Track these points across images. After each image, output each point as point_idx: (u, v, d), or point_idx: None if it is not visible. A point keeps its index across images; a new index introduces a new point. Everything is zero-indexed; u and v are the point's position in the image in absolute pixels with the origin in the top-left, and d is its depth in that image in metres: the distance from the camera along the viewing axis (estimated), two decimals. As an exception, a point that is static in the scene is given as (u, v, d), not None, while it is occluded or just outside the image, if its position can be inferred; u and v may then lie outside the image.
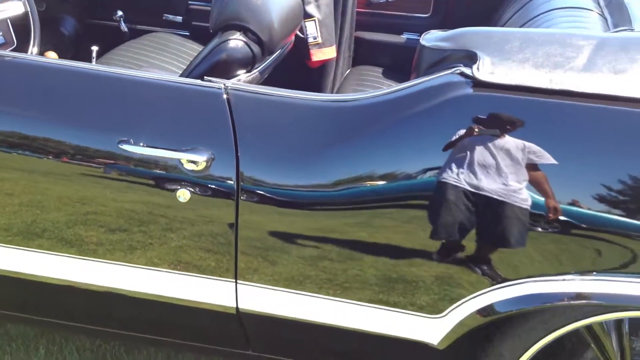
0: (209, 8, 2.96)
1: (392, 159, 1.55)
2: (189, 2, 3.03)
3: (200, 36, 2.96)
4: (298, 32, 2.45)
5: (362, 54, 2.93)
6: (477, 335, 1.67)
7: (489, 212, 1.51)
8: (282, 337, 1.84)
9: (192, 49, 2.88)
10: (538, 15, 2.13)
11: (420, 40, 1.67)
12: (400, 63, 2.75)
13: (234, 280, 1.70)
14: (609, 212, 1.47)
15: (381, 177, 1.55)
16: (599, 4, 2.11)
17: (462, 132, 1.50)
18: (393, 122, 1.54)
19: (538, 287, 1.53)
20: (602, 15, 2.01)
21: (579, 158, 1.48)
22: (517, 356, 1.67)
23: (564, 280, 1.52)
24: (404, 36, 2.95)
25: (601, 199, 1.47)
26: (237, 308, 1.74)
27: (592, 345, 1.70)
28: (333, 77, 2.70)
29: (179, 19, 3.06)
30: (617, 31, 1.75)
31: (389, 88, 1.59)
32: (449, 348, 1.65)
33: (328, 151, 1.58)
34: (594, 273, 1.51)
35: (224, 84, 1.65)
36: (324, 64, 2.61)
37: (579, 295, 1.53)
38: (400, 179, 1.54)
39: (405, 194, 1.55)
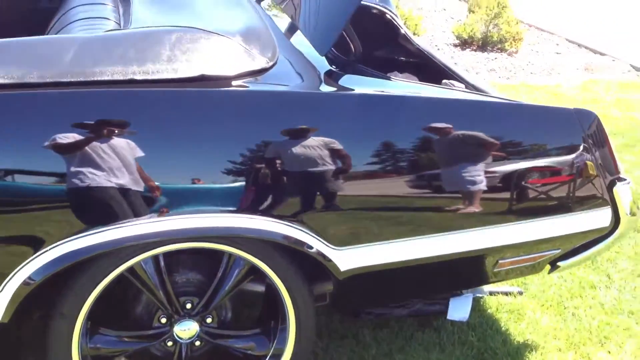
0: None
1: None
2: None
3: None
4: None
5: None
6: (40, 302, 1.93)
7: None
8: None
9: None
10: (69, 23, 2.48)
11: None
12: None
13: None
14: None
15: None
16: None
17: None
18: None
19: (66, 247, 1.83)
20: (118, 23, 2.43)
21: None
22: (77, 311, 1.95)
23: (86, 235, 1.83)
24: None
25: None
26: None
27: (140, 286, 2.05)
28: None
29: None
30: (107, 31, 2.16)
31: None
32: (12, 320, 1.88)
33: None
34: (112, 225, 1.84)
35: None
36: None
37: (106, 244, 1.85)
38: None
39: None
